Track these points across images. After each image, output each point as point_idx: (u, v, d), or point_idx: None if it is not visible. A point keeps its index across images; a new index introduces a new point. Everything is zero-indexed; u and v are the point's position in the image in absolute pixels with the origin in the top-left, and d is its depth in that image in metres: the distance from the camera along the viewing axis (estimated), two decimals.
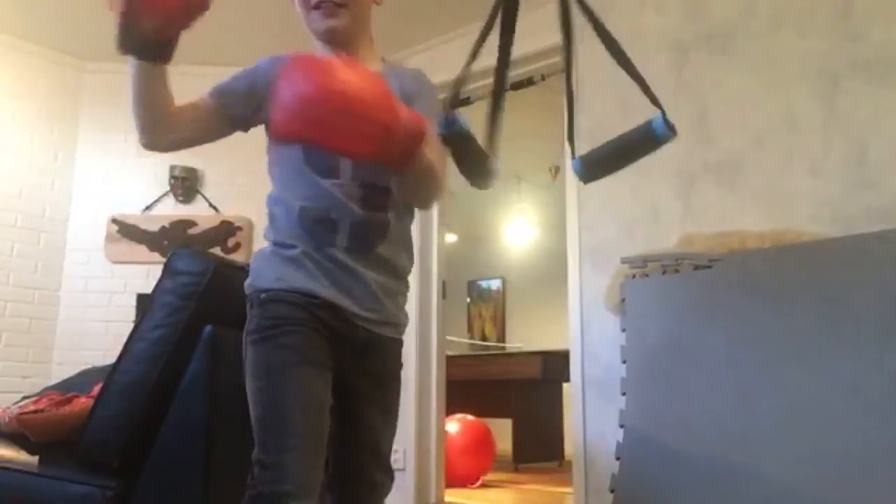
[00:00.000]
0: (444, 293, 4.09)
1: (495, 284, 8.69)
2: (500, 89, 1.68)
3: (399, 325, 1.51)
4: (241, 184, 4.39)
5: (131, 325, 4.06)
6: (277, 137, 1.25)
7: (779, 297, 2.48)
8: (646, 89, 1.66)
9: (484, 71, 4.16)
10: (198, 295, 1.70)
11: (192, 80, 4.83)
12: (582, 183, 1.76)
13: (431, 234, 4.08)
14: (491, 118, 1.65)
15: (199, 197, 4.35)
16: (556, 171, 6.15)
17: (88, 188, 4.35)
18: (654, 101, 1.66)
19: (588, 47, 3.48)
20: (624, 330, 2.87)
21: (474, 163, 1.59)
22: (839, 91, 2.66)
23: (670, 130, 1.60)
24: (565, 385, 6.21)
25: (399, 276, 1.50)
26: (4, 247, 4.03)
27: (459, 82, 1.61)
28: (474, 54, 1.63)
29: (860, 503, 2.11)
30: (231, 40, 4.17)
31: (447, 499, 3.99)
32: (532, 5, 3.77)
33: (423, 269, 4.00)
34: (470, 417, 4.90)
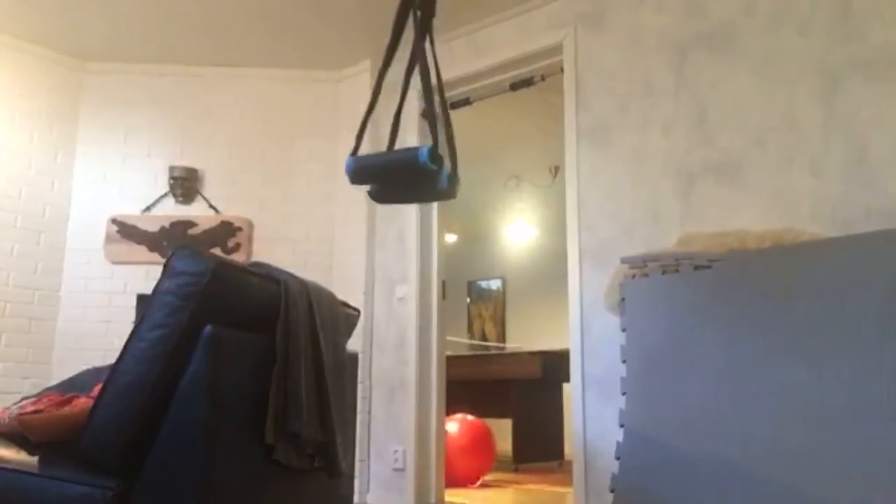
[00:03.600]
0: (444, 293, 4.09)
1: (495, 284, 8.69)
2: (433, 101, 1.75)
3: None
4: (241, 184, 4.39)
5: (131, 326, 4.07)
6: None
7: (779, 297, 2.48)
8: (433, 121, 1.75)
9: (484, 71, 4.16)
10: (198, 295, 1.70)
11: (192, 80, 4.84)
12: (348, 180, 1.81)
13: (431, 234, 4.08)
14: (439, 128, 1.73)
15: (198, 197, 4.35)
16: (556, 171, 6.15)
17: (88, 188, 4.35)
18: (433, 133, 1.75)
19: (588, 48, 3.50)
20: (624, 330, 2.87)
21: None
22: (839, 91, 2.66)
23: (433, 162, 1.67)
24: (565, 385, 6.21)
25: None
26: (4, 247, 4.03)
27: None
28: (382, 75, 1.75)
29: (860, 503, 2.11)
30: (230, 40, 4.17)
31: (447, 499, 3.99)
32: (532, 6, 3.79)
33: (423, 269, 4.00)
34: (470, 417, 4.90)
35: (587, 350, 3.18)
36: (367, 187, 1.79)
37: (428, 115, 1.81)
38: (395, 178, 1.78)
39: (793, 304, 2.44)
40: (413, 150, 1.73)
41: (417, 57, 1.75)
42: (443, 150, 1.75)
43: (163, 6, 3.82)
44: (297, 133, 4.48)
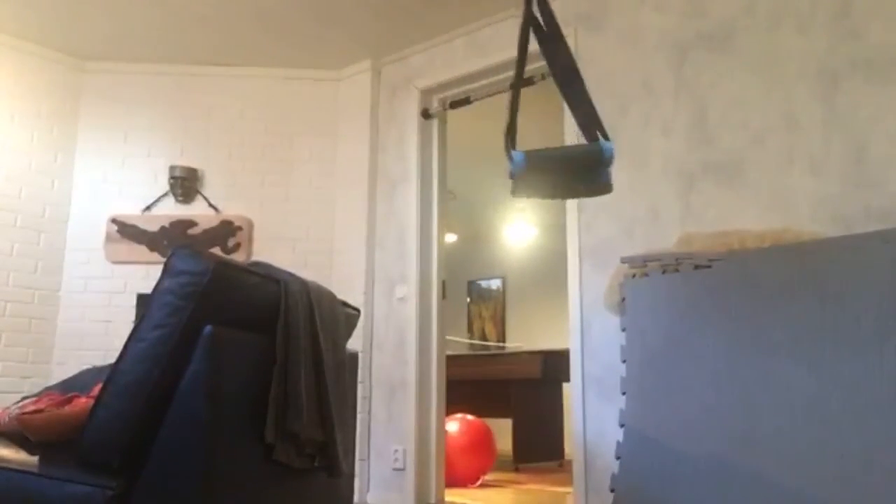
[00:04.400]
0: (444, 293, 4.09)
1: (495, 284, 8.69)
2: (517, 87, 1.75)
3: None
4: (241, 184, 4.39)
5: (131, 325, 4.07)
6: None
7: (779, 296, 2.48)
8: (597, 119, 1.74)
9: (484, 70, 4.15)
10: (198, 295, 1.70)
11: (192, 80, 4.84)
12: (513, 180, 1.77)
13: (431, 234, 4.09)
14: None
15: (198, 197, 4.35)
16: None
17: (88, 188, 4.35)
18: (602, 131, 1.75)
19: (588, 47, 3.49)
20: (624, 329, 2.87)
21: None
22: (839, 90, 2.66)
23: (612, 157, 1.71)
24: (565, 385, 6.21)
25: None
26: (4, 247, 4.03)
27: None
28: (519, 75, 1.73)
29: (860, 503, 2.11)
30: (231, 40, 4.17)
31: (447, 499, 3.99)
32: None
33: (423, 269, 4.00)
34: (470, 417, 4.90)
35: (587, 350, 3.18)
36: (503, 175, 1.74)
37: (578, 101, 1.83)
38: (568, 173, 1.77)
39: (793, 304, 2.44)
40: (594, 146, 1.74)
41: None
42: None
43: (163, 5, 3.82)
44: (298, 132, 4.48)
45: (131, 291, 4.20)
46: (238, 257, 4.20)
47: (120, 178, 4.37)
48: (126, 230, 4.26)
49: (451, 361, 5.89)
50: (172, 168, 4.29)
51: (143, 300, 4.17)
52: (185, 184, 4.29)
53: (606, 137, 1.78)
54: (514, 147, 1.77)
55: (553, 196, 1.86)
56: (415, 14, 3.87)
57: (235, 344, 1.78)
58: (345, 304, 2.33)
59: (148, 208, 4.32)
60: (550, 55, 1.83)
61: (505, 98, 1.84)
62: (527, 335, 8.12)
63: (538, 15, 1.81)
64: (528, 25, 1.82)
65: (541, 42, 1.83)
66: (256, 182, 4.41)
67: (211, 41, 4.20)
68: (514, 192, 1.82)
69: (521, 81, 1.83)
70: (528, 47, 1.83)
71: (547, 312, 8.00)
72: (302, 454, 1.95)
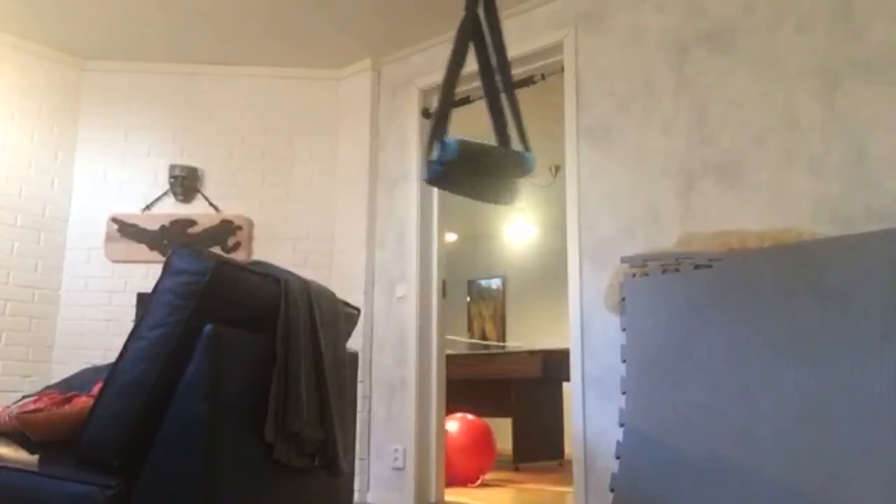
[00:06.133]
0: (444, 292, 4.09)
1: (495, 284, 8.69)
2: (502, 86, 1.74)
3: None
4: (242, 183, 4.39)
5: (131, 324, 4.07)
6: None
7: (779, 296, 2.48)
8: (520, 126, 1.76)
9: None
10: (198, 294, 1.70)
11: (192, 79, 4.84)
12: (433, 174, 1.75)
13: (431, 234, 4.08)
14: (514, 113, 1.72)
15: (199, 196, 4.35)
16: (557, 170, 6.15)
17: (88, 187, 4.35)
18: (525, 142, 1.77)
19: (588, 47, 3.49)
20: (624, 329, 2.87)
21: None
22: (839, 90, 2.66)
23: (530, 172, 1.73)
24: (565, 384, 6.21)
25: None
26: (4, 246, 4.03)
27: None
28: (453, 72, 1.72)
29: (860, 503, 2.11)
30: (231, 38, 4.17)
31: (447, 498, 4.00)
32: (532, 5, 3.78)
33: (423, 268, 4.00)
34: (470, 417, 4.90)
35: (587, 349, 3.18)
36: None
37: (507, 96, 1.83)
38: (488, 172, 1.77)
39: (793, 304, 2.44)
40: (518, 153, 1.75)
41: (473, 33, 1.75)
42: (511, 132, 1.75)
43: (163, 5, 3.81)
44: (298, 132, 4.48)
45: (131, 290, 4.20)
46: (238, 256, 4.20)
47: (120, 178, 4.37)
48: (126, 229, 4.26)
49: (451, 361, 5.89)
50: (172, 167, 4.29)
51: (143, 299, 4.17)
52: (186, 183, 4.29)
53: (528, 149, 1.80)
54: (442, 137, 1.76)
55: (465, 193, 1.85)
56: (415, 14, 3.87)
57: (235, 343, 1.78)
58: (345, 304, 2.33)
59: (148, 207, 4.32)
60: (484, 62, 1.83)
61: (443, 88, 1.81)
62: (527, 335, 8.12)
63: (482, 17, 1.81)
64: (468, 25, 1.82)
65: (478, 49, 1.83)
66: (256, 181, 4.41)
67: (211, 40, 4.20)
68: (432, 180, 1.79)
69: (456, 69, 1.81)
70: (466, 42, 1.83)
71: (547, 312, 8.00)
72: (302, 453, 1.95)
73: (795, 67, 2.79)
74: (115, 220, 4.28)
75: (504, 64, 1.85)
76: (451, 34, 4.01)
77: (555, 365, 5.83)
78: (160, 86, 4.48)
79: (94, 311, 4.19)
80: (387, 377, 4.00)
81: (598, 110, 3.35)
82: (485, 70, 1.83)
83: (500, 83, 1.84)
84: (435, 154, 1.67)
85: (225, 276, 1.76)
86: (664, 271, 2.83)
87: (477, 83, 4.04)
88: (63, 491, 1.68)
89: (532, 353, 5.96)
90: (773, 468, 2.30)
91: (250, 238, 4.31)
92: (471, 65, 4.01)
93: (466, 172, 1.77)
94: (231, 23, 3.99)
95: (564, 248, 3.40)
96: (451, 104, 1.78)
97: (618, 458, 2.72)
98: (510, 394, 5.86)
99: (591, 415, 3.11)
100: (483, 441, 4.77)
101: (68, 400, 1.97)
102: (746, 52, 2.93)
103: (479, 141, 1.81)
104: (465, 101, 4.12)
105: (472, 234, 8.68)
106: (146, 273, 4.18)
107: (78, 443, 1.72)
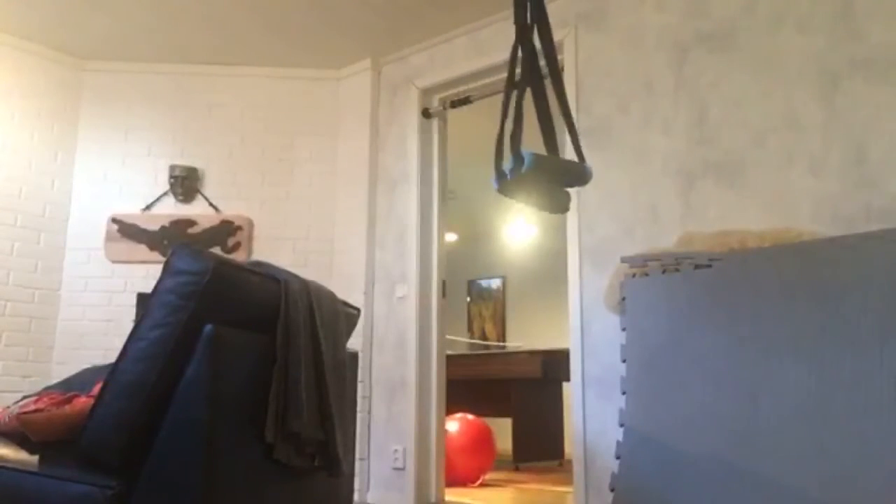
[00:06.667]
0: (444, 292, 4.09)
1: (495, 284, 8.69)
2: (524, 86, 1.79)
3: None
4: (242, 183, 4.39)
5: (131, 325, 4.07)
6: None
7: (779, 296, 2.48)
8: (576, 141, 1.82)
9: (484, 70, 4.14)
10: (198, 294, 1.70)
11: (192, 79, 4.84)
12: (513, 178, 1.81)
13: (431, 234, 4.09)
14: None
15: (199, 196, 4.35)
16: None
17: (88, 187, 4.35)
18: (580, 153, 1.83)
19: (588, 47, 3.49)
20: (624, 329, 2.87)
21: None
22: (839, 90, 2.66)
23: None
24: (565, 384, 6.21)
25: None
26: (4, 246, 4.03)
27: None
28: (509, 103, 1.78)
29: (860, 502, 2.11)
30: (231, 39, 4.17)
31: (447, 498, 4.00)
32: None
33: (423, 268, 4.00)
34: (470, 417, 4.90)
35: (587, 349, 3.18)
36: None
37: (562, 111, 1.89)
38: (552, 184, 1.86)
39: (793, 303, 2.44)
40: (579, 166, 1.84)
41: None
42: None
43: (163, 4, 3.81)
44: (298, 132, 4.48)
45: (131, 291, 4.20)
46: (238, 257, 4.20)
47: (120, 178, 4.37)
48: (126, 229, 4.26)
49: (451, 361, 5.89)
50: (173, 167, 4.29)
51: (143, 299, 4.17)
52: (186, 183, 4.30)
53: (583, 159, 1.89)
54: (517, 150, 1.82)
55: (531, 203, 1.93)
56: (415, 13, 3.87)
57: (236, 343, 1.78)
58: (345, 304, 2.33)
59: (148, 207, 4.32)
60: (538, 81, 1.89)
61: (502, 99, 1.87)
62: (527, 335, 8.12)
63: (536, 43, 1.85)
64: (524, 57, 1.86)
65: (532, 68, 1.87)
66: (256, 181, 4.41)
67: (211, 40, 4.20)
68: (505, 190, 1.87)
69: (521, 82, 1.86)
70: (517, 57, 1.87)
71: (547, 312, 8.00)
72: (302, 453, 1.95)
73: (795, 67, 2.79)
74: (115, 220, 4.28)
75: (561, 94, 1.95)
76: (452, 34, 4.03)
77: (555, 365, 5.83)
78: (160, 86, 4.48)
79: (94, 312, 4.19)
80: (387, 377, 4.00)
81: (598, 110, 3.35)
82: (538, 96, 1.90)
83: (562, 114, 1.94)
84: (511, 165, 1.75)
85: (225, 276, 1.76)
86: (664, 271, 2.83)
87: (477, 83, 4.07)
88: (63, 491, 1.68)
89: (532, 353, 5.96)
90: (773, 467, 2.30)
91: (250, 238, 4.31)
92: (476, 63, 4.01)
93: (535, 183, 1.84)
94: (231, 23, 3.99)
95: (564, 248, 3.41)
96: (521, 121, 1.88)
97: (618, 457, 2.72)
98: (510, 394, 5.86)
99: (591, 415, 3.11)
100: (483, 441, 4.77)
101: (68, 400, 1.97)
102: (746, 52, 2.93)
103: (547, 154, 1.92)
104: (466, 101, 4.12)
105: (472, 234, 8.68)
106: (146, 273, 4.18)
107: (78, 443, 1.71)
